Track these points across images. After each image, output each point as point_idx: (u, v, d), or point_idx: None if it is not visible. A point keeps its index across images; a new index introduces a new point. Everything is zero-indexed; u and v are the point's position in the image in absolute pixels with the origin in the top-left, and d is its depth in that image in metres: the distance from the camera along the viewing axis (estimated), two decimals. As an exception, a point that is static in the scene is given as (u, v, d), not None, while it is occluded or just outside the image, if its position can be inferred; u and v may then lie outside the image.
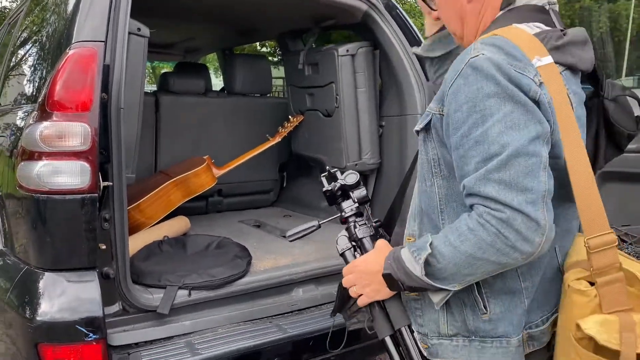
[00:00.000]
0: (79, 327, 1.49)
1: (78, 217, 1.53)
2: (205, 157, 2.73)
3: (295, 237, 1.45)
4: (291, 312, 1.97)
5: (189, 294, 1.80)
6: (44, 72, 1.85)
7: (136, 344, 1.67)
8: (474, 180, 0.98)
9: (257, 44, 9.18)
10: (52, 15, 2.03)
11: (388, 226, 1.45)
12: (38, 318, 1.49)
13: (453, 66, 1.07)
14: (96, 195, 1.54)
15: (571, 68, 1.10)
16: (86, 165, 1.52)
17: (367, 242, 1.31)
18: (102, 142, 1.57)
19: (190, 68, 3.55)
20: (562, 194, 1.05)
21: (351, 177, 1.41)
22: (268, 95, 3.45)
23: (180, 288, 1.80)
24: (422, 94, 2.37)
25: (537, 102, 1.01)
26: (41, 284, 1.54)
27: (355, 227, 1.34)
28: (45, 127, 1.51)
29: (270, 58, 7.44)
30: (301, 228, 1.45)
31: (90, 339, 1.50)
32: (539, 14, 1.13)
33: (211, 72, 4.66)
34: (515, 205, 0.94)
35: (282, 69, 7.41)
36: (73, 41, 1.59)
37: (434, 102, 1.12)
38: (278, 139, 2.96)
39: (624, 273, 1.01)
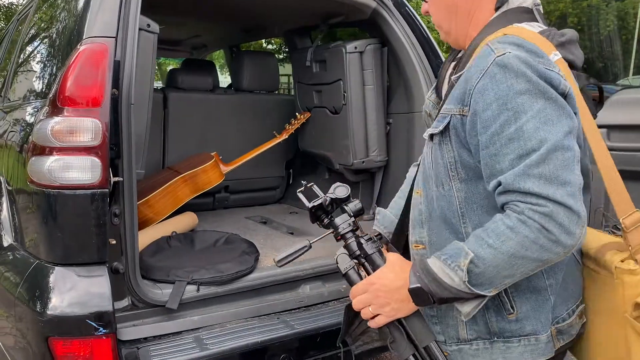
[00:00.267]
0: (89, 322, 1.50)
1: (88, 212, 1.53)
2: (212, 154, 2.74)
3: (285, 262, 1.32)
4: (298, 308, 1.97)
5: (198, 289, 1.81)
6: (54, 68, 1.86)
7: (145, 338, 1.68)
8: (513, 176, 0.97)
9: (263, 40, 9.18)
10: (62, 11, 2.04)
11: (401, 230, 1.39)
12: (48, 312, 1.50)
13: (473, 66, 1.06)
14: (106, 190, 1.55)
15: (570, 64, 1.12)
16: (97, 160, 1.53)
17: (377, 258, 1.19)
18: (113, 137, 1.58)
19: (198, 65, 3.56)
20: (586, 187, 1.09)
21: (342, 190, 1.30)
22: (275, 92, 3.45)
23: (188, 283, 1.80)
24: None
25: (565, 96, 1.02)
26: (51, 278, 1.55)
27: (359, 242, 1.22)
28: (57, 123, 1.52)
29: (275, 55, 7.44)
30: (291, 251, 1.32)
31: (100, 333, 1.51)
32: (528, 14, 1.16)
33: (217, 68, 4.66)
34: (558, 199, 0.94)
35: (287, 66, 7.41)
36: (84, 37, 1.59)
37: (452, 103, 1.10)
38: (285, 136, 2.97)
39: None
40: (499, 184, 1.00)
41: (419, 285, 1.06)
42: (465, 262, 1.00)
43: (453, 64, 1.29)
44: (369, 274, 1.19)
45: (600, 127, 2.14)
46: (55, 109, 1.54)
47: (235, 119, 3.10)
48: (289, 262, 1.32)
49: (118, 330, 1.58)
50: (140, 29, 1.71)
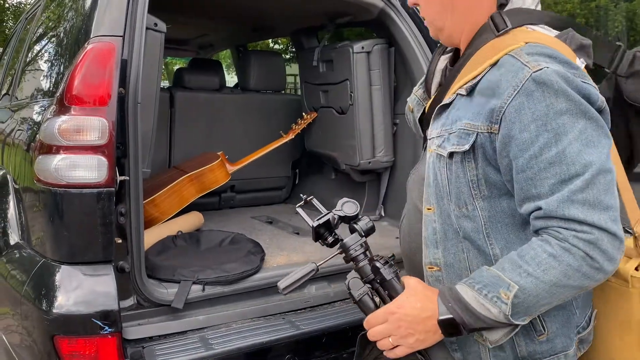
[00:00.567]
0: (95, 320, 1.50)
1: (94, 211, 1.53)
2: (219, 153, 2.74)
3: (290, 288, 1.18)
4: (304, 308, 1.96)
5: (203, 289, 1.80)
6: (62, 66, 1.86)
7: (150, 337, 1.68)
8: (557, 203, 0.93)
9: (270, 40, 9.18)
10: (69, 10, 2.04)
11: None
12: (54, 311, 1.50)
13: (503, 79, 0.98)
14: (113, 189, 1.55)
15: (588, 64, 1.07)
16: (103, 159, 1.53)
17: (395, 284, 1.09)
18: (119, 136, 1.58)
19: (205, 64, 3.56)
20: None
21: (350, 207, 1.19)
22: (282, 92, 3.45)
23: (194, 283, 1.80)
24: None
25: (601, 110, 0.98)
26: (57, 277, 1.55)
27: (375, 266, 1.11)
28: (64, 121, 1.52)
29: (282, 55, 7.44)
30: (297, 277, 1.18)
31: (105, 332, 1.51)
32: (530, 15, 1.09)
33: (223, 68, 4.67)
34: (602, 225, 0.91)
35: (294, 65, 7.41)
36: (91, 36, 1.59)
37: (480, 120, 1.01)
38: (291, 136, 2.96)
39: None
40: (538, 208, 0.95)
41: (451, 316, 0.99)
42: (508, 295, 0.94)
43: (444, 57, 1.23)
44: (383, 300, 1.10)
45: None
46: (63, 108, 1.54)
47: (241, 118, 3.10)
48: (294, 288, 1.19)
49: (123, 329, 1.58)
50: (147, 28, 1.71)
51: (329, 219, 1.20)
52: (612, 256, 0.92)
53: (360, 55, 2.53)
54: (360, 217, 1.19)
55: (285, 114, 3.17)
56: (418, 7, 1.20)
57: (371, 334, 1.07)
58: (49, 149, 1.54)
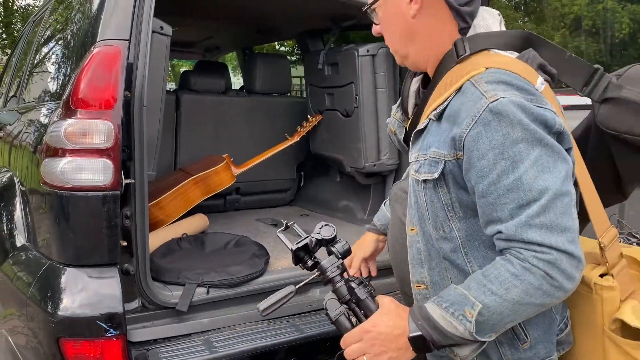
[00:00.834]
0: (100, 323, 1.51)
1: (100, 214, 1.54)
2: (224, 156, 2.74)
3: (269, 310, 1.24)
4: (308, 312, 1.96)
5: (207, 292, 1.81)
6: (69, 69, 1.87)
7: (155, 340, 1.68)
8: (515, 228, 0.97)
9: (276, 43, 9.20)
10: (77, 13, 2.05)
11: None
12: (59, 313, 1.51)
13: (462, 109, 1.02)
14: (118, 192, 1.56)
15: (549, 81, 1.10)
16: (109, 162, 1.53)
17: (370, 303, 1.13)
18: (125, 139, 1.58)
19: (211, 67, 3.57)
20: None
21: (327, 230, 1.25)
22: (287, 94, 3.45)
23: (198, 286, 1.81)
24: None
25: (561, 133, 1.01)
26: (63, 279, 1.56)
27: (350, 287, 1.16)
28: (70, 125, 1.53)
29: (288, 57, 7.45)
30: (275, 299, 1.25)
31: (110, 334, 1.51)
32: (497, 38, 1.11)
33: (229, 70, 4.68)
34: (560, 247, 0.95)
35: (300, 68, 7.42)
36: (98, 39, 1.60)
37: (444, 148, 1.05)
38: (296, 139, 2.97)
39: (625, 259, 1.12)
40: (499, 231, 0.99)
41: (420, 333, 1.03)
42: (472, 313, 0.98)
43: (415, 79, 1.26)
44: (359, 319, 1.14)
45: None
46: (69, 111, 1.55)
47: (247, 121, 3.11)
48: (274, 310, 1.26)
49: (128, 332, 1.59)
50: (153, 32, 1.72)
51: (307, 243, 1.26)
52: (571, 275, 0.96)
53: (366, 58, 2.53)
54: (337, 240, 1.25)
55: (290, 117, 3.17)
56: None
57: (347, 353, 1.09)
58: (55, 152, 1.55)
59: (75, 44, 1.88)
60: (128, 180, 1.60)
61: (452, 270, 1.11)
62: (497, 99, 0.97)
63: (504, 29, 1.14)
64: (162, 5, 1.77)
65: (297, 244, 1.28)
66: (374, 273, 1.65)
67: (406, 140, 1.29)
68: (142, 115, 1.62)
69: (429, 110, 1.11)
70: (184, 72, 3.33)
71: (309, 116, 3.03)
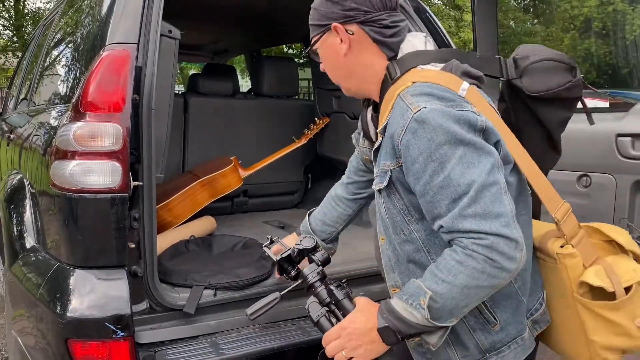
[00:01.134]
0: (108, 324, 1.52)
1: (108, 216, 1.55)
2: (231, 158, 2.75)
3: (257, 314, 1.39)
4: (315, 315, 1.96)
5: (215, 294, 1.81)
6: (78, 72, 1.89)
7: (162, 342, 1.69)
8: (451, 220, 1.07)
9: (283, 45, 9.22)
10: (86, 17, 2.07)
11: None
12: (68, 314, 1.52)
13: (394, 122, 1.14)
14: (126, 194, 1.57)
15: (477, 83, 1.22)
16: (117, 165, 1.54)
17: (347, 303, 1.24)
18: (133, 142, 1.59)
19: (219, 70, 3.58)
20: (525, 190, 1.23)
21: (308, 241, 1.40)
22: (295, 97, 3.46)
23: (206, 288, 1.81)
24: None
25: (484, 130, 1.11)
26: (72, 280, 1.57)
27: (329, 289, 1.27)
28: (79, 127, 1.54)
29: (295, 59, 7.47)
30: (263, 304, 1.39)
31: (118, 336, 1.52)
32: (425, 56, 1.23)
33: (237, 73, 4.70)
34: (494, 231, 1.04)
35: (307, 70, 7.44)
36: (107, 43, 1.62)
37: (388, 159, 1.18)
38: (304, 141, 2.97)
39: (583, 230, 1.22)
40: (441, 226, 1.09)
41: (386, 324, 1.12)
42: (424, 300, 1.08)
43: (369, 110, 1.37)
44: (338, 319, 1.24)
45: (624, 135, 2.11)
46: (78, 114, 1.56)
47: (254, 123, 3.12)
48: (261, 314, 1.41)
49: (136, 334, 1.60)
50: (161, 35, 1.73)
51: (290, 253, 1.42)
52: (511, 256, 1.04)
53: (373, 61, 2.53)
54: (317, 249, 1.39)
55: (297, 119, 3.18)
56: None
57: (328, 350, 1.19)
58: (65, 155, 1.56)
59: (85, 47, 1.90)
60: (136, 183, 1.61)
61: (418, 270, 1.20)
62: (420, 109, 1.09)
63: (430, 47, 1.26)
64: (170, 8, 1.78)
65: (280, 255, 1.43)
66: None
67: None
68: (151, 118, 1.63)
69: (379, 130, 1.24)
70: (192, 75, 3.35)
71: (316, 119, 3.04)
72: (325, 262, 1.37)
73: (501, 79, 1.31)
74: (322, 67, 1.37)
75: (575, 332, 1.24)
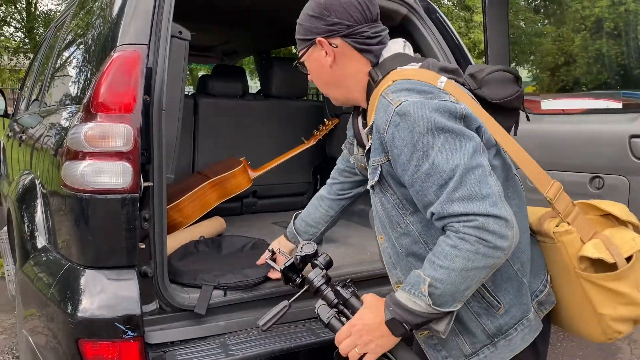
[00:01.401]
0: (118, 325, 1.52)
1: (119, 217, 1.56)
2: (241, 159, 2.76)
3: (269, 324, 1.43)
4: (324, 316, 1.96)
5: (225, 294, 1.82)
6: (89, 73, 1.90)
7: (172, 342, 1.69)
8: (440, 206, 1.10)
9: (292, 46, 9.23)
10: (97, 18, 2.08)
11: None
12: (79, 314, 1.52)
13: (378, 118, 1.19)
14: (137, 195, 1.57)
15: (455, 77, 1.28)
16: (128, 165, 1.55)
17: (354, 301, 1.27)
18: (144, 143, 1.60)
19: (228, 71, 3.59)
20: (511, 173, 1.28)
21: (309, 247, 1.45)
22: (304, 98, 3.46)
23: (215, 288, 1.81)
24: None
25: (465, 117, 1.16)
26: (82, 280, 1.58)
27: (336, 290, 1.30)
28: (90, 128, 1.55)
29: (305, 61, 7.46)
30: (273, 313, 1.44)
31: (128, 336, 1.53)
32: (403, 57, 1.30)
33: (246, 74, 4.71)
34: (483, 211, 1.06)
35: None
36: (118, 44, 1.62)
37: (377, 154, 1.22)
38: (313, 142, 2.97)
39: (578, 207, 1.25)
40: (432, 213, 1.13)
41: (392, 317, 1.15)
42: (425, 288, 1.10)
43: (360, 117, 1.42)
44: (347, 318, 1.26)
45: (638, 137, 2.09)
46: (89, 115, 1.57)
47: (264, 124, 3.12)
48: (273, 324, 1.44)
49: (146, 334, 1.60)
50: (172, 36, 1.73)
51: (293, 262, 1.46)
52: (502, 234, 1.07)
53: (383, 62, 2.52)
54: (319, 254, 1.43)
55: (307, 120, 3.17)
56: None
57: (341, 349, 1.22)
58: (76, 155, 1.57)
59: (96, 48, 1.91)
60: (147, 183, 1.61)
61: (418, 263, 1.22)
62: (400, 103, 1.14)
63: (408, 52, 1.34)
64: (180, 10, 1.78)
65: (284, 264, 1.48)
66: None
67: None
68: (161, 119, 1.63)
69: (366, 130, 1.28)
70: (202, 76, 3.36)
71: (325, 120, 3.03)
72: (328, 265, 1.40)
73: (465, 88, 1.35)
74: (309, 77, 1.43)
75: (583, 308, 1.25)
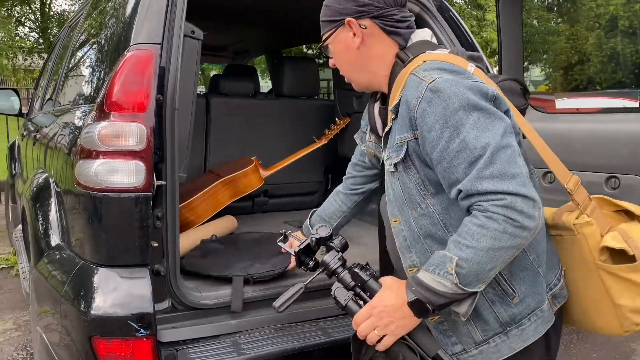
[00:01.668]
0: (130, 323, 1.53)
1: (132, 215, 1.56)
2: (252, 158, 2.76)
3: (285, 306, 1.40)
4: (336, 316, 1.95)
5: (252, 283, 1.85)
6: (102, 73, 1.91)
7: (184, 341, 1.70)
8: (469, 183, 1.10)
9: (304, 46, 9.23)
10: (110, 18, 2.10)
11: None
12: (92, 312, 1.53)
13: (409, 94, 1.18)
14: (150, 194, 1.58)
15: (481, 67, 1.29)
16: (141, 164, 1.55)
17: (373, 283, 1.26)
18: (157, 142, 1.60)
19: (240, 70, 3.60)
20: (529, 164, 1.26)
21: (324, 230, 1.43)
22: (315, 97, 3.45)
23: (246, 281, 1.84)
24: None
25: (495, 98, 1.17)
26: (95, 279, 1.59)
27: (354, 272, 1.28)
28: (103, 127, 1.56)
29: (315, 60, 7.47)
30: (288, 295, 1.40)
31: (140, 334, 1.53)
32: (430, 44, 1.32)
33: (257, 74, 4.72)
34: (512, 190, 1.07)
35: (327, 71, 7.44)
36: (131, 43, 1.63)
37: (404, 131, 1.21)
38: (324, 141, 2.97)
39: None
40: (459, 191, 1.12)
41: (416, 297, 1.14)
42: (452, 267, 1.10)
43: (377, 104, 1.42)
44: (365, 301, 1.25)
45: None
46: (102, 114, 1.58)
47: (275, 124, 3.12)
48: (288, 306, 1.40)
49: (158, 332, 1.61)
50: (185, 36, 1.73)
51: (308, 243, 1.44)
52: (530, 214, 1.07)
53: (395, 61, 2.51)
54: (334, 237, 1.41)
55: (318, 119, 3.17)
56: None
57: (360, 331, 1.21)
58: (89, 154, 1.58)
59: (109, 48, 1.92)
60: (160, 182, 1.62)
61: (435, 246, 1.23)
62: (434, 80, 1.15)
63: (435, 41, 1.35)
64: (193, 9, 1.79)
65: (299, 246, 1.45)
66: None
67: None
68: (174, 118, 1.64)
69: (389, 112, 1.27)
70: (214, 75, 3.37)
71: (336, 119, 3.03)
72: (344, 247, 1.38)
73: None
74: (331, 62, 1.41)
75: (601, 301, 1.26)
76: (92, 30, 2.47)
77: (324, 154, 3.19)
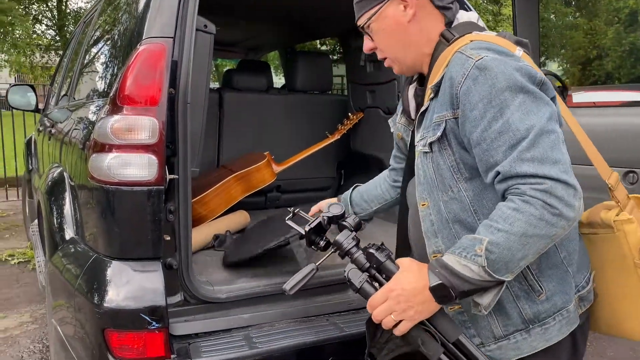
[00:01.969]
0: (143, 316, 1.54)
1: (145, 209, 1.57)
2: (265, 153, 2.76)
3: (295, 288, 1.29)
4: (347, 311, 1.95)
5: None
6: (116, 68, 1.92)
7: (196, 334, 1.71)
8: (509, 164, 1.05)
9: (317, 41, 9.21)
10: (124, 13, 2.11)
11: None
12: (105, 305, 1.54)
13: (453, 71, 1.14)
14: (162, 187, 1.58)
15: (528, 52, 1.24)
16: (154, 158, 1.56)
17: (390, 265, 1.17)
18: (169, 136, 1.61)
19: (253, 65, 3.60)
20: None
21: (336, 208, 1.32)
22: (328, 92, 3.44)
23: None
24: None
25: (542, 83, 1.13)
26: (109, 272, 1.60)
27: (369, 253, 1.19)
28: (116, 121, 1.56)
29: (329, 55, 7.45)
30: (299, 277, 1.30)
31: (153, 327, 1.54)
32: (476, 26, 1.28)
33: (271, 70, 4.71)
34: (553, 175, 1.02)
35: (341, 67, 7.41)
36: (143, 37, 1.63)
37: (444, 109, 1.17)
38: (337, 137, 2.96)
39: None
40: (497, 173, 1.07)
41: (440, 281, 1.07)
42: (481, 248, 1.04)
43: (412, 85, 1.38)
44: (381, 284, 1.17)
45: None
46: (115, 108, 1.59)
47: (288, 119, 3.12)
48: (299, 288, 1.30)
49: (170, 325, 1.61)
50: (197, 30, 1.73)
51: (320, 222, 1.33)
52: (569, 202, 1.02)
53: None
54: (346, 215, 1.31)
55: (331, 115, 3.16)
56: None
57: (375, 315, 1.13)
58: (102, 148, 1.59)
59: (122, 43, 1.93)
60: (172, 176, 1.62)
61: (463, 231, 1.17)
62: (481, 57, 1.11)
63: (482, 24, 1.30)
64: (206, 4, 1.79)
65: (309, 225, 1.33)
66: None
67: (413, 142, 1.36)
68: (187, 112, 1.64)
69: (428, 92, 1.22)
70: (227, 70, 3.38)
71: (349, 114, 3.01)
72: (358, 227, 1.28)
73: None
74: (369, 45, 1.34)
75: (636, 302, 1.22)
76: (106, 26, 2.48)
77: (337, 149, 3.18)
